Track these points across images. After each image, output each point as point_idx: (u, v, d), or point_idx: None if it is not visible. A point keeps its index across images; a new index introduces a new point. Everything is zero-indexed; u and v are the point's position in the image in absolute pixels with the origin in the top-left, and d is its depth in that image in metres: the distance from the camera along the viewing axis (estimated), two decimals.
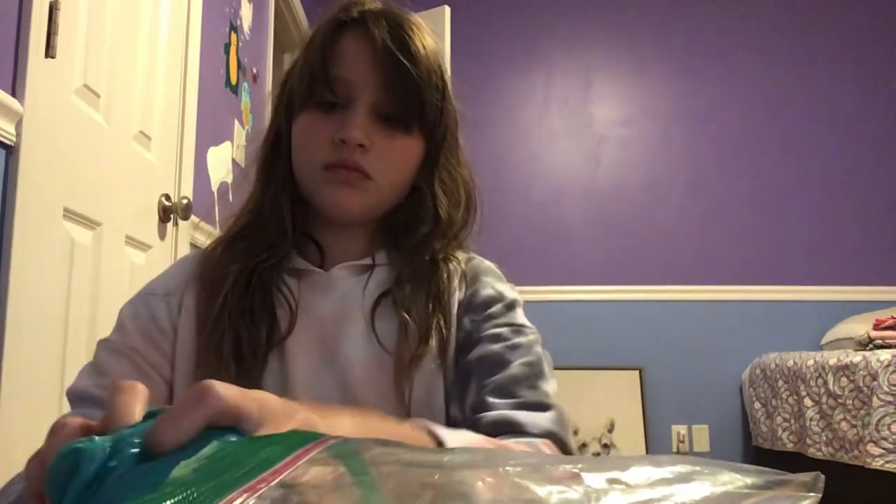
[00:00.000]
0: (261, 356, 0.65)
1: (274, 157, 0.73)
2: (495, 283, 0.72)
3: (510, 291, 0.72)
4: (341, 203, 0.68)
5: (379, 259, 0.72)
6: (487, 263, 0.76)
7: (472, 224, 0.76)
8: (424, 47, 0.68)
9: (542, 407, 0.63)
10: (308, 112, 0.68)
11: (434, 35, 0.72)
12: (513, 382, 0.64)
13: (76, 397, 0.66)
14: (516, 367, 0.64)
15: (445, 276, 0.71)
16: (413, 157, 0.70)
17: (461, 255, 0.75)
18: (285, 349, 0.66)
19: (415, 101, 0.67)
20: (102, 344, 0.69)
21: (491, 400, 0.63)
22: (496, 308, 0.69)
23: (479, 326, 0.68)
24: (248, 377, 0.63)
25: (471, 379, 0.66)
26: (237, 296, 0.66)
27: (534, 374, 0.65)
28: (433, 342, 0.66)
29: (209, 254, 0.73)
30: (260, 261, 0.68)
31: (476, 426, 0.61)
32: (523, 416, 0.61)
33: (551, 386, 0.66)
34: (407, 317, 0.66)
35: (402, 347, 0.65)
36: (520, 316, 0.70)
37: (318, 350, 0.67)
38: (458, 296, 0.71)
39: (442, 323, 0.68)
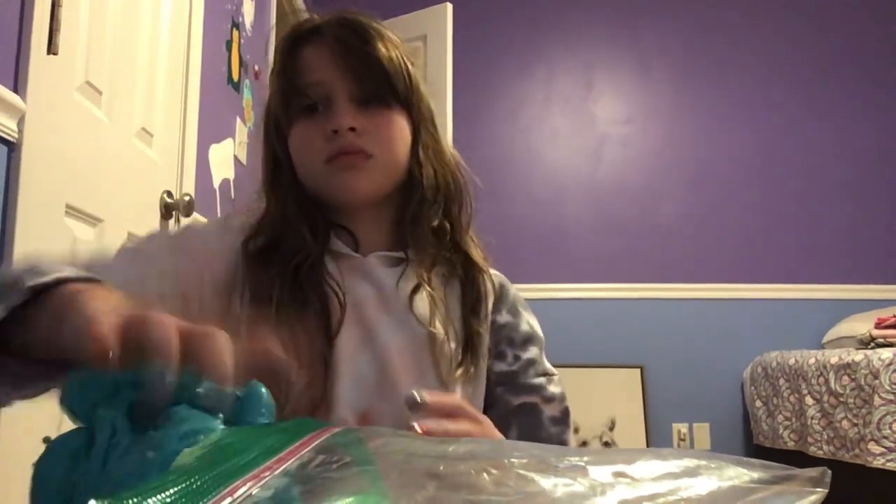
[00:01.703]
0: (318, 349, 0.67)
1: (278, 178, 0.76)
2: (530, 318, 0.81)
3: (538, 328, 0.81)
4: (350, 186, 0.71)
5: (411, 255, 0.75)
6: (515, 290, 0.83)
7: (469, 203, 0.79)
8: (381, 35, 0.73)
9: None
10: (296, 123, 0.73)
11: (394, 33, 0.76)
12: (541, 429, 0.75)
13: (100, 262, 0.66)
14: (548, 423, 0.75)
15: (482, 286, 0.77)
16: (402, 130, 0.74)
17: (493, 272, 0.80)
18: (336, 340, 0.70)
19: (383, 78, 0.71)
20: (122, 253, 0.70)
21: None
22: (535, 352, 0.78)
23: (525, 370, 0.77)
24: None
25: (510, 424, 0.74)
26: (287, 298, 0.68)
27: (562, 430, 0.76)
28: (461, 335, 0.73)
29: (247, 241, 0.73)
30: (298, 261, 0.70)
31: None
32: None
33: (569, 434, 0.78)
34: (437, 305, 0.72)
35: (433, 333, 0.71)
36: (544, 354, 0.80)
37: (358, 333, 0.70)
38: (489, 312, 0.77)
39: (475, 324, 0.74)
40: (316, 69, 0.72)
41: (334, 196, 0.73)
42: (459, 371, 0.71)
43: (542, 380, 0.77)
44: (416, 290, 0.72)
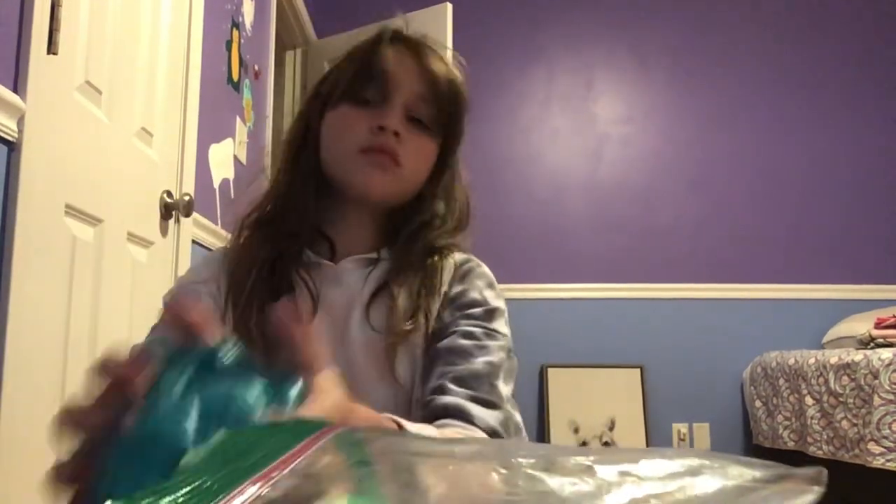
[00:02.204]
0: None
1: (301, 150, 0.79)
2: (484, 290, 0.78)
3: (495, 300, 0.78)
4: (372, 183, 0.75)
5: (383, 254, 0.78)
6: (484, 269, 0.81)
7: (465, 227, 0.83)
8: (455, 76, 0.80)
9: (493, 405, 0.68)
10: (343, 105, 0.76)
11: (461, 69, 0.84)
12: (472, 376, 0.69)
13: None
14: (479, 363, 0.70)
15: (439, 267, 0.78)
16: (431, 158, 0.79)
17: (459, 256, 0.81)
18: None
19: (444, 110, 0.77)
20: (152, 331, 0.73)
21: (449, 386, 0.68)
22: (477, 311, 0.75)
23: (456, 322, 0.74)
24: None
25: (435, 365, 0.71)
26: (263, 281, 0.73)
27: (493, 374, 0.70)
28: (420, 323, 0.72)
29: (233, 247, 0.79)
30: (283, 248, 0.75)
31: (429, 407, 0.67)
32: (474, 409, 0.66)
33: (507, 389, 0.71)
34: (396, 300, 0.73)
35: (389, 328, 0.72)
36: (498, 323, 0.76)
37: (329, 334, 0.73)
38: (444, 288, 0.77)
39: (429, 308, 0.74)
40: (393, 64, 0.76)
41: (352, 186, 0.76)
42: (404, 343, 0.72)
43: (477, 330, 0.73)
44: (378, 291, 0.75)
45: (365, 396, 0.65)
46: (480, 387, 0.69)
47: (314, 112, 0.79)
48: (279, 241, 0.76)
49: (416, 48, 0.78)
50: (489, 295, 0.77)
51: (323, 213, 0.78)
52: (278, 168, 0.80)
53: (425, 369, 0.73)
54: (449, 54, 0.81)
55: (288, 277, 0.74)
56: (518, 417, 0.71)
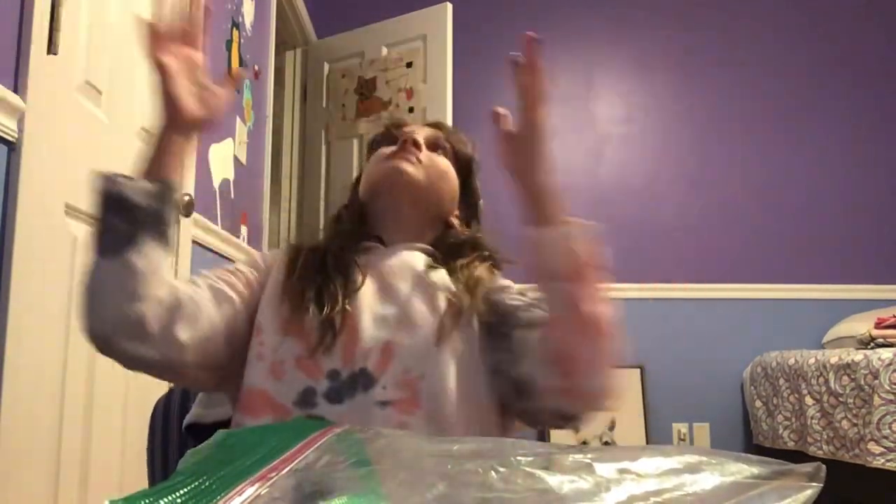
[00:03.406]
0: (341, 301, 0.79)
1: (351, 195, 1.00)
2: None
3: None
4: (399, 169, 0.89)
5: (436, 252, 0.91)
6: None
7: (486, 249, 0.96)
8: (461, 136, 1.01)
9: None
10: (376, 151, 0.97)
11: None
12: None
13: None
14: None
15: (485, 266, 0.90)
16: (452, 177, 0.96)
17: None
18: (357, 297, 0.81)
19: (453, 141, 0.98)
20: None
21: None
22: (525, 298, 0.87)
23: (517, 304, 0.85)
24: (326, 317, 0.78)
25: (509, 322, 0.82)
26: (321, 258, 0.85)
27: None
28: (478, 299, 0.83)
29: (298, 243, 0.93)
30: (341, 242, 0.90)
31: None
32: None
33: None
34: (457, 273, 0.85)
35: (453, 294, 0.82)
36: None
37: (378, 286, 0.83)
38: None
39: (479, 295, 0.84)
40: (410, 125, 0.99)
41: (381, 182, 0.91)
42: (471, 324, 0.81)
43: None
44: (432, 266, 0.86)
45: (417, 333, 0.76)
46: None
47: (364, 163, 1.00)
48: (339, 238, 0.91)
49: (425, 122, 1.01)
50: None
51: (373, 226, 0.95)
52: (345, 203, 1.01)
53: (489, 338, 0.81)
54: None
55: (346, 258, 0.85)
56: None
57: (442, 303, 0.81)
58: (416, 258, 0.87)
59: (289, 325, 0.78)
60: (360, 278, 0.83)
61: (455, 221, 0.97)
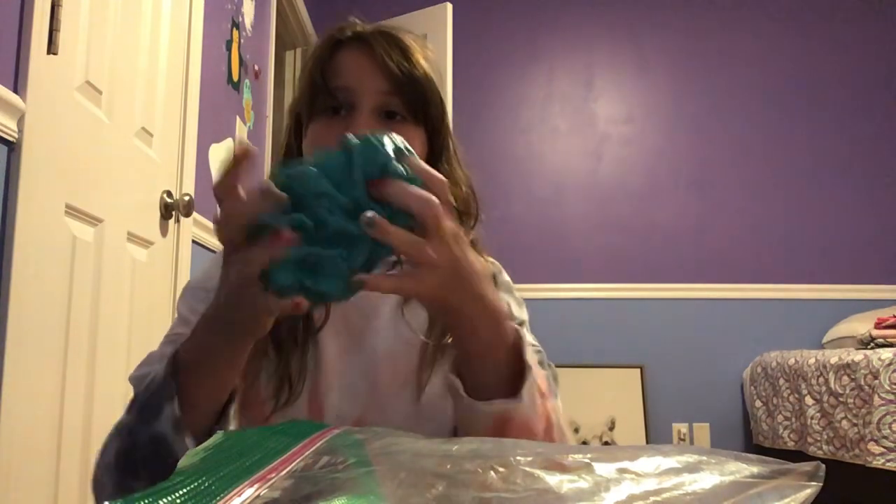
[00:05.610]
0: (300, 343, 0.70)
1: None
2: (509, 299, 0.76)
3: (520, 310, 0.77)
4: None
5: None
6: (504, 277, 0.81)
7: (474, 216, 0.78)
8: (424, 58, 0.74)
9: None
10: (314, 121, 0.72)
11: (431, 50, 0.77)
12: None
13: (139, 379, 0.68)
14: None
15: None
16: (418, 146, 0.72)
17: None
18: (318, 340, 0.72)
19: (417, 98, 0.72)
20: (167, 338, 0.73)
21: None
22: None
23: None
24: (287, 363, 0.70)
25: None
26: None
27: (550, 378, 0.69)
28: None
29: None
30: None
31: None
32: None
33: (558, 403, 0.71)
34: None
35: (430, 335, 0.70)
36: (528, 336, 0.73)
37: (345, 341, 0.72)
38: None
39: None
40: (349, 75, 0.72)
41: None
42: (443, 354, 0.69)
43: None
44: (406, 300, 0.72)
45: (388, 406, 0.67)
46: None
47: (293, 139, 0.77)
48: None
49: (368, 45, 0.72)
50: (514, 308, 0.76)
51: None
52: None
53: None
54: (409, 37, 0.75)
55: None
56: (568, 434, 0.70)
57: (414, 354, 0.71)
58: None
59: (244, 398, 0.68)
60: (320, 315, 0.72)
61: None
